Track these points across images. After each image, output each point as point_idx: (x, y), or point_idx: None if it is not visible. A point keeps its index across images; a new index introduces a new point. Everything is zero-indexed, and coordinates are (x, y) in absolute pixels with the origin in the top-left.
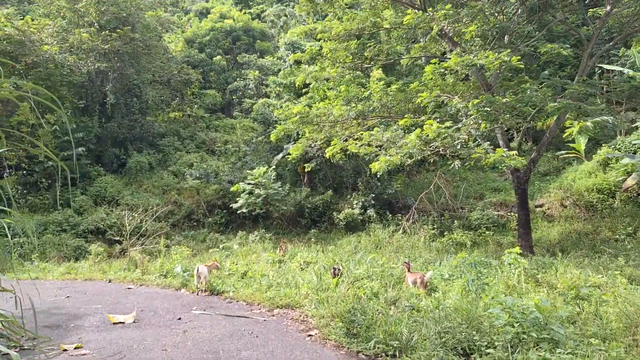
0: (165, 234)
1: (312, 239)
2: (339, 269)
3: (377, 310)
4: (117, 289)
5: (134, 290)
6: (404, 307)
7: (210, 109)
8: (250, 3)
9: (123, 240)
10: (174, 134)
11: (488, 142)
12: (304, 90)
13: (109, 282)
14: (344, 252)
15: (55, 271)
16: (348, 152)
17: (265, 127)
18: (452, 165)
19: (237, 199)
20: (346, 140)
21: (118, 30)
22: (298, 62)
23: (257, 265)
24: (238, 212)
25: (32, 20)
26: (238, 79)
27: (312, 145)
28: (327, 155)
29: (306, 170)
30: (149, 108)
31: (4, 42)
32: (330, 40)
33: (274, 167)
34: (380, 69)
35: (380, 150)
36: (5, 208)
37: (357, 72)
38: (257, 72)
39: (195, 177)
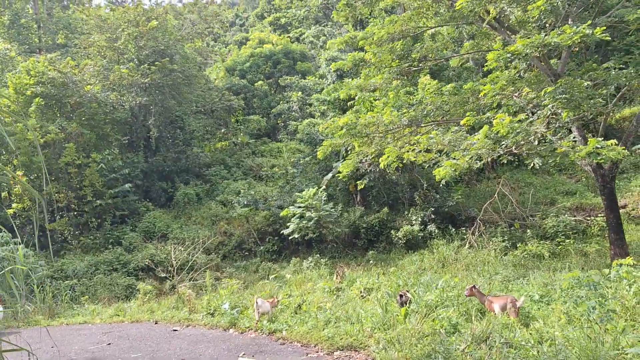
0: (215, 266)
1: (371, 261)
2: (406, 296)
3: (464, 351)
4: (162, 333)
5: (179, 334)
6: (498, 345)
7: (255, 134)
8: (289, 28)
9: (171, 276)
10: (220, 163)
11: (572, 135)
12: (349, 104)
13: (155, 323)
14: (407, 273)
15: (104, 314)
16: (404, 162)
17: (312, 148)
18: (531, 165)
19: (288, 224)
20: (401, 148)
21: (156, 63)
22: (341, 77)
23: (313, 296)
24: (290, 237)
25: (74, 61)
26: (281, 102)
27: (363, 161)
28: (381, 166)
29: (359, 188)
30: (193, 139)
31: (48, 85)
32: (373, 44)
33: (324, 187)
34: (428, 75)
35: (440, 156)
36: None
37: (404, 79)
38: (299, 93)
39: (244, 205)
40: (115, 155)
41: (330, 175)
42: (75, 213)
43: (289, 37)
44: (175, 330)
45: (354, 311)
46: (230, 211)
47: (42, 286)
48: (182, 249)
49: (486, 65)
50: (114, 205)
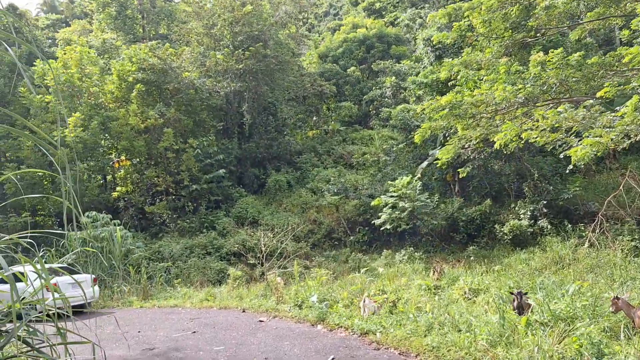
0: (304, 254)
1: (471, 257)
2: (524, 300)
3: None
4: (248, 323)
5: (264, 325)
6: None
7: (347, 121)
8: (383, 12)
9: (260, 263)
10: (311, 150)
11: None
12: (449, 84)
13: (243, 312)
14: (517, 273)
15: (195, 297)
16: (523, 142)
17: (406, 135)
18: None
19: (380, 214)
20: (522, 125)
21: (250, 48)
22: (440, 57)
23: (408, 293)
24: (381, 228)
25: (173, 48)
26: (374, 88)
27: (466, 146)
28: (496, 146)
29: (460, 176)
30: (285, 126)
31: (149, 72)
32: (483, 12)
33: (419, 176)
34: (541, 52)
35: (567, 136)
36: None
37: (513, 57)
38: (393, 78)
39: (334, 193)
40: (210, 141)
41: (425, 163)
42: (173, 197)
43: (383, 21)
44: (262, 321)
45: (461, 316)
46: (320, 199)
47: (138, 267)
48: (272, 236)
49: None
50: (209, 190)
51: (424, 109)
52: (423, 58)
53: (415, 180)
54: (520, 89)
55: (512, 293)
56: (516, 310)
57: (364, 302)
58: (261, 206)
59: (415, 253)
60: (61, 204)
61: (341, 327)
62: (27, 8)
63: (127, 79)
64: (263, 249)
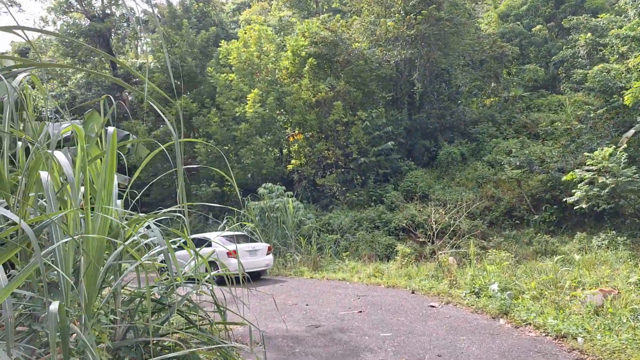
0: (480, 233)
1: None
2: None
3: None
4: (417, 307)
5: (436, 312)
6: None
7: (531, 86)
8: None
9: (430, 240)
10: (488, 120)
11: None
12: None
13: (412, 293)
14: None
15: (362, 272)
16: None
17: (606, 98)
18: None
19: (573, 190)
20: None
21: (423, 12)
22: None
23: (612, 287)
24: (574, 207)
25: (343, 20)
26: (564, 48)
27: None
28: None
29: None
30: (459, 94)
31: (320, 45)
32: None
33: (624, 147)
34: None
35: None
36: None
37: None
38: (588, 35)
39: (515, 166)
40: (379, 112)
41: (632, 131)
42: (342, 170)
43: None
44: (433, 306)
45: None
46: (499, 173)
47: (309, 238)
48: (444, 212)
49: None
50: (377, 163)
51: (636, 65)
52: (627, 9)
53: (620, 152)
54: None
55: None
56: None
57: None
58: (432, 180)
59: (618, 237)
60: (244, 175)
61: (529, 324)
62: None
63: (300, 53)
64: (434, 225)
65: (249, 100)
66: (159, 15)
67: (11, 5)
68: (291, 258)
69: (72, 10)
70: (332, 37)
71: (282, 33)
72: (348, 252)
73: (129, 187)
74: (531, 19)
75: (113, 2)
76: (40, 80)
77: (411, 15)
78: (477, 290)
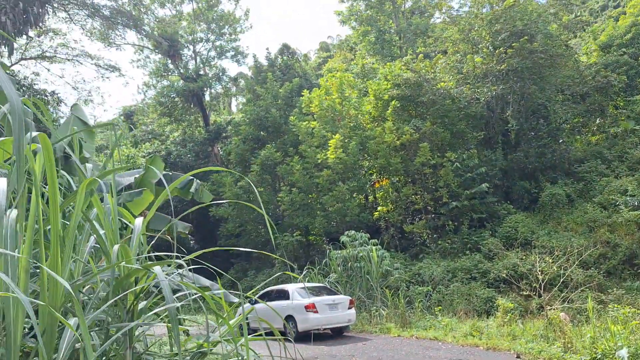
0: (597, 285)
1: None
2: None
3: None
4: None
5: None
6: None
7: None
8: None
9: (536, 293)
10: (596, 157)
11: None
12: None
13: (517, 358)
14: None
15: (458, 330)
16: None
17: None
18: None
19: None
20: None
21: (514, 44)
22: None
23: None
24: None
25: (427, 60)
26: None
27: None
28: None
29: None
30: (559, 130)
31: (403, 87)
32: None
33: None
34: None
35: None
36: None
37: None
38: None
39: (633, 207)
40: (470, 153)
41: None
42: (432, 215)
43: None
44: None
45: None
46: (614, 215)
47: (396, 290)
48: (551, 260)
49: None
50: (471, 207)
51: None
52: None
53: None
54: None
55: None
56: None
57: None
58: (534, 225)
59: None
60: (328, 223)
61: None
62: (296, 46)
63: (383, 97)
64: (540, 276)
65: (330, 146)
66: (247, 72)
67: (112, 71)
68: (377, 313)
69: (168, 73)
70: (415, 78)
71: (364, 79)
72: (441, 307)
73: (173, 233)
74: (637, 48)
75: (206, 63)
76: (142, 140)
77: (501, 49)
78: (599, 356)
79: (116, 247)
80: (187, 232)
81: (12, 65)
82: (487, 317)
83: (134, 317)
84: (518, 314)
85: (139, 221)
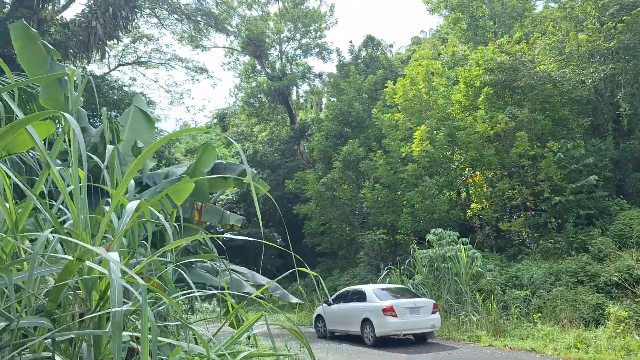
0: None
1: None
2: None
3: None
4: None
5: None
6: None
7: None
8: None
9: None
10: None
11: None
12: None
13: None
14: None
15: (560, 341)
16: None
17: None
18: None
19: None
20: None
21: (624, 18)
22: None
23: None
24: None
25: (524, 42)
26: None
27: None
28: None
29: None
30: None
31: (497, 72)
32: None
33: None
34: None
35: None
36: None
37: None
38: None
39: None
40: (576, 142)
41: None
42: (532, 212)
43: None
44: None
45: None
46: None
47: (489, 294)
48: None
49: None
50: (577, 202)
51: None
52: None
53: None
54: None
55: None
56: None
57: None
58: None
59: None
60: (414, 221)
61: None
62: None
63: (474, 84)
64: None
65: (415, 138)
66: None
67: (200, 73)
68: (466, 318)
69: (256, 74)
70: (510, 61)
71: (456, 67)
72: (541, 314)
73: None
74: None
75: (292, 61)
76: (235, 141)
77: (609, 24)
78: None
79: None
80: (239, 225)
81: (110, 71)
82: (596, 327)
83: (101, 324)
84: (633, 323)
85: (131, 205)
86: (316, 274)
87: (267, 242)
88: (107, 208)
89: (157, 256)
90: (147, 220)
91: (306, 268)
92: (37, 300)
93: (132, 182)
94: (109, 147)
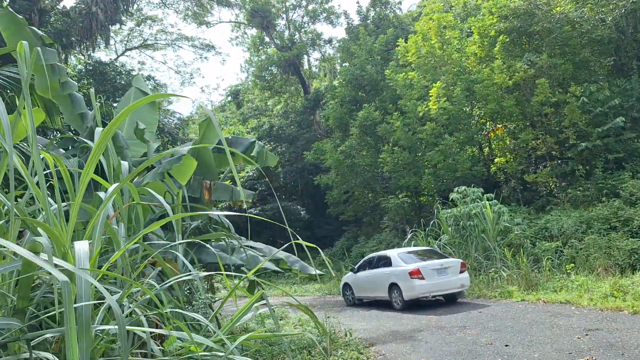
0: None
1: None
2: None
3: None
4: None
5: None
6: None
7: None
8: None
9: None
10: None
11: None
12: None
13: None
14: None
15: (595, 290)
16: None
17: None
18: None
19: None
20: None
21: None
22: None
23: None
24: None
25: None
26: None
27: None
28: None
29: None
30: None
31: (511, 18)
32: None
33: None
34: None
35: None
36: None
37: None
38: None
39: None
40: (599, 84)
41: None
42: (558, 161)
43: None
44: None
45: None
46: None
47: (519, 248)
48: None
49: None
50: (605, 147)
51: None
52: None
53: None
54: None
55: None
56: None
57: None
58: None
59: None
60: (436, 181)
61: None
62: None
63: (489, 33)
64: None
65: (431, 96)
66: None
67: (208, 50)
68: (496, 275)
69: (265, 46)
70: (525, 6)
71: (470, 19)
72: (574, 264)
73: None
74: None
75: (300, 29)
76: (250, 117)
77: None
78: None
79: None
80: (250, 201)
81: (118, 56)
82: (632, 273)
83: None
84: None
85: (112, 188)
86: (314, 245)
87: (268, 220)
88: (102, 195)
89: (167, 239)
90: (137, 202)
91: (329, 238)
92: (13, 301)
93: (125, 163)
94: (98, 130)
